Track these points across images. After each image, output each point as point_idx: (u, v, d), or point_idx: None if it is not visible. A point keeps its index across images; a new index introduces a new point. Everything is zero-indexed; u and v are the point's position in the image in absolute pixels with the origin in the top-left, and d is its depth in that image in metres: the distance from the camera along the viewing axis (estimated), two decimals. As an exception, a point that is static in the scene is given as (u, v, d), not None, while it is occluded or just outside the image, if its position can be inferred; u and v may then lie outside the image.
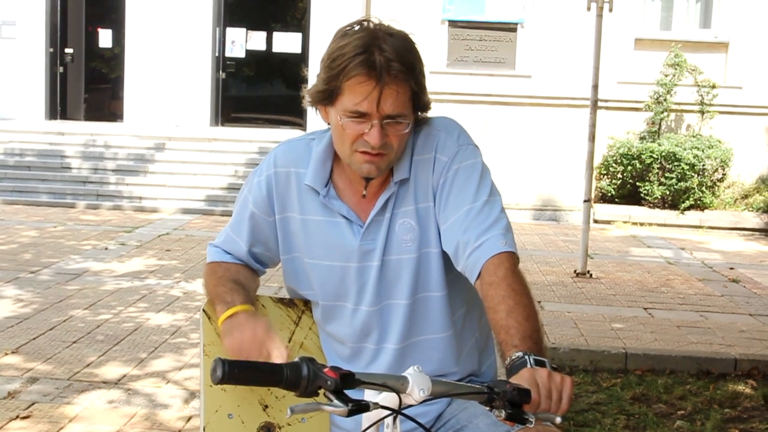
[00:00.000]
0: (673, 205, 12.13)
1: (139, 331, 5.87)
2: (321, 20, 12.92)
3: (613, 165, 12.30)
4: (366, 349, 2.05)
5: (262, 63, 14.31)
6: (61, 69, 14.06)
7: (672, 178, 11.92)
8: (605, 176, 12.51)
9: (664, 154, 11.90)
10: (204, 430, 1.94)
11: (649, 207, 12.19)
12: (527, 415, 1.55)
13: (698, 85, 12.47)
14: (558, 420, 1.59)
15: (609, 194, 12.44)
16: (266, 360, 1.87)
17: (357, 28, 1.91)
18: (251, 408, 1.97)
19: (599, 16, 8.07)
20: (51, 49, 13.88)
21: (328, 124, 2.00)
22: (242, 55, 13.87)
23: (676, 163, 11.87)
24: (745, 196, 12.59)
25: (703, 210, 12.19)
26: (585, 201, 8.35)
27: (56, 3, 13.88)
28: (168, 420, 4.31)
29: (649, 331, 6.22)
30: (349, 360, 2.06)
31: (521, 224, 11.58)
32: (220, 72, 13.80)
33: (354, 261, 2.01)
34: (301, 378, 1.49)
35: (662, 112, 12.43)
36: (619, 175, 12.29)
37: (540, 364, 1.63)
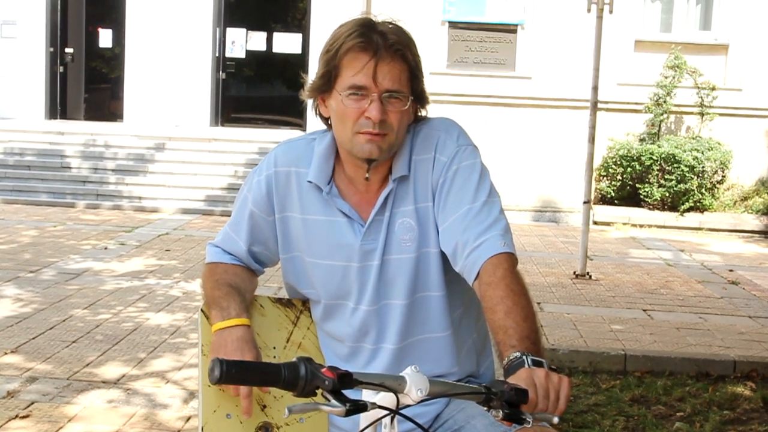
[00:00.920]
0: (673, 207, 12.13)
1: (138, 330, 5.87)
2: (321, 21, 12.93)
3: (613, 167, 12.31)
4: (364, 349, 2.05)
5: (263, 63, 14.31)
6: (61, 69, 14.06)
7: (671, 180, 11.92)
8: (605, 178, 12.52)
9: (663, 156, 11.90)
10: (202, 429, 1.94)
11: (649, 209, 12.20)
12: (525, 416, 1.55)
13: (698, 87, 12.48)
14: (555, 420, 1.59)
15: (608, 196, 12.44)
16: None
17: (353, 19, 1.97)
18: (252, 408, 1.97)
19: (599, 17, 8.08)
20: (51, 49, 13.88)
21: (326, 120, 2.02)
22: (242, 55, 13.88)
23: (675, 165, 11.87)
24: (745, 198, 12.59)
25: (702, 212, 12.19)
26: (584, 202, 8.36)
27: (56, 3, 13.89)
28: (167, 420, 4.31)
29: (648, 332, 6.22)
30: (347, 360, 2.06)
31: (521, 225, 11.58)
32: (220, 72, 13.81)
33: (355, 260, 2.01)
34: (298, 378, 1.49)
35: (662, 114, 12.43)
36: (619, 177, 12.30)
37: (538, 364, 1.64)
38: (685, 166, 11.83)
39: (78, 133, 13.02)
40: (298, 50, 13.72)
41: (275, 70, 14.56)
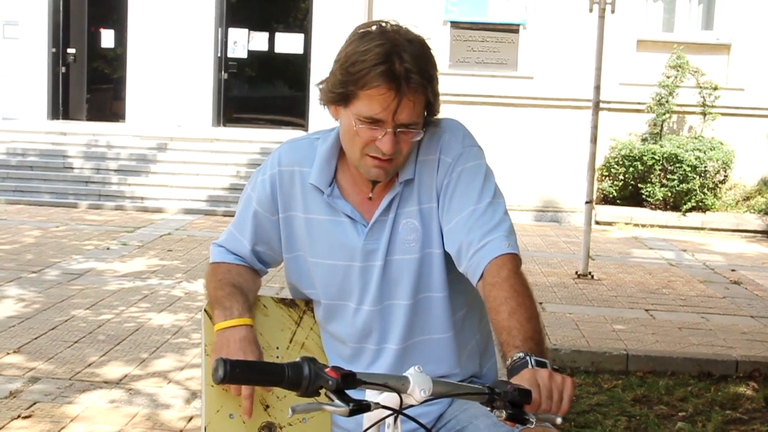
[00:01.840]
0: (675, 207, 12.12)
1: (140, 331, 5.87)
2: (323, 21, 12.94)
3: (615, 166, 12.30)
4: (367, 350, 2.05)
5: (264, 63, 14.31)
6: (63, 69, 14.07)
7: (674, 180, 11.91)
8: (607, 178, 12.52)
9: (665, 155, 11.90)
10: (205, 430, 1.94)
11: (651, 208, 12.19)
12: (528, 416, 1.55)
13: (700, 87, 12.47)
14: (558, 421, 1.59)
15: (611, 196, 12.44)
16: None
17: (375, 29, 1.89)
18: (253, 408, 1.97)
19: (601, 17, 8.07)
20: (53, 50, 13.89)
21: (337, 120, 2.00)
22: (244, 55, 13.88)
23: (677, 165, 11.87)
24: (747, 198, 12.59)
25: (704, 212, 12.18)
26: (587, 202, 8.35)
27: (59, 3, 13.90)
28: (169, 420, 4.32)
29: (650, 332, 6.22)
30: (350, 360, 2.06)
31: (523, 225, 11.58)
32: (223, 72, 13.81)
33: (357, 261, 2.01)
34: (302, 378, 1.49)
35: (664, 114, 12.43)
36: (621, 177, 12.29)
37: (541, 365, 1.63)
38: (688, 165, 11.82)
39: (80, 134, 13.04)
40: (300, 50, 13.72)
41: (277, 71, 14.56)
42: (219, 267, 2.12)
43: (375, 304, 2.02)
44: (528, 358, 1.64)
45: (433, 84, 1.91)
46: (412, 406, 1.56)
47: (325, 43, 12.19)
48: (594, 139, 8.22)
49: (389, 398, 1.56)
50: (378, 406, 1.54)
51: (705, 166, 11.94)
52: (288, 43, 13.86)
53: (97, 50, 14.42)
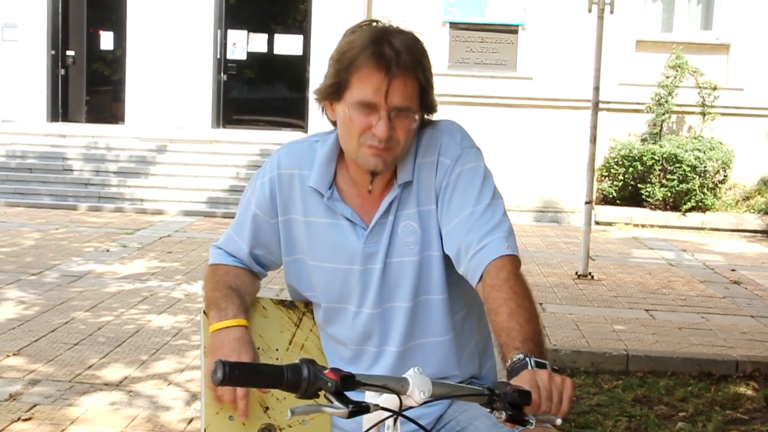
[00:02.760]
0: (675, 207, 12.13)
1: (140, 333, 5.87)
2: (322, 22, 12.94)
3: (615, 167, 12.30)
4: (367, 352, 2.05)
5: (264, 65, 14.31)
6: (62, 71, 14.07)
7: (673, 180, 11.92)
8: (606, 178, 12.52)
9: (665, 155, 11.90)
10: (205, 431, 1.94)
11: (651, 209, 12.19)
12: (528, 417, 1.55)
13: (699, 87, 12.47)
14: (558, 422, 1.59)
15: (610, 196, 12.44)
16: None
17: (365, 26, 1.93)
18: (252, 410, 1.97)
19: (600, 17, 8.08)
20: (52, 52, 13.89)
21: (333, 122, 2.01)
22: (243, 57, 13.88)
23: (677, 165, 11.87)
24: (747, 198, 12.59)
25: (704, 212, 12.18)
26: (586, 203, 8.36)
27: (57, 5, 13.90)
28: (169, 422, 4.32)
29: (650, 332, 6.22)
30: (350, 362, 2.06)
31: (522, 226, 11.58)
32: (222, 74, 13.81)
33: (357, 264, 2.01)
34: (301, 379, 1.49)
35: (663, 114, 12.43)
36: (621, 177, 12.30)
37: (541, 366, 1.63)
38: (687, 165, 11.82)
39: (80, 136, 13.03)
40: (299, 52, 13.72)
41: (276, 72, 14.56)
42: (217, 269, 2.12)
43: (375, 307, 2.02)
44: (528, 359, 1.64)
45: (423, 68, 1.92)
46: (411, 407, 1.55)
47: (325, 44, 12.18)
48: (593, 140, 8.22)
49: (389, 400, 1.56)
50: (377, 407, 1.54)
51: (704, 166, 11.94)
52: (287, 44, 13.87)
53: (96, 52, 14.42)
